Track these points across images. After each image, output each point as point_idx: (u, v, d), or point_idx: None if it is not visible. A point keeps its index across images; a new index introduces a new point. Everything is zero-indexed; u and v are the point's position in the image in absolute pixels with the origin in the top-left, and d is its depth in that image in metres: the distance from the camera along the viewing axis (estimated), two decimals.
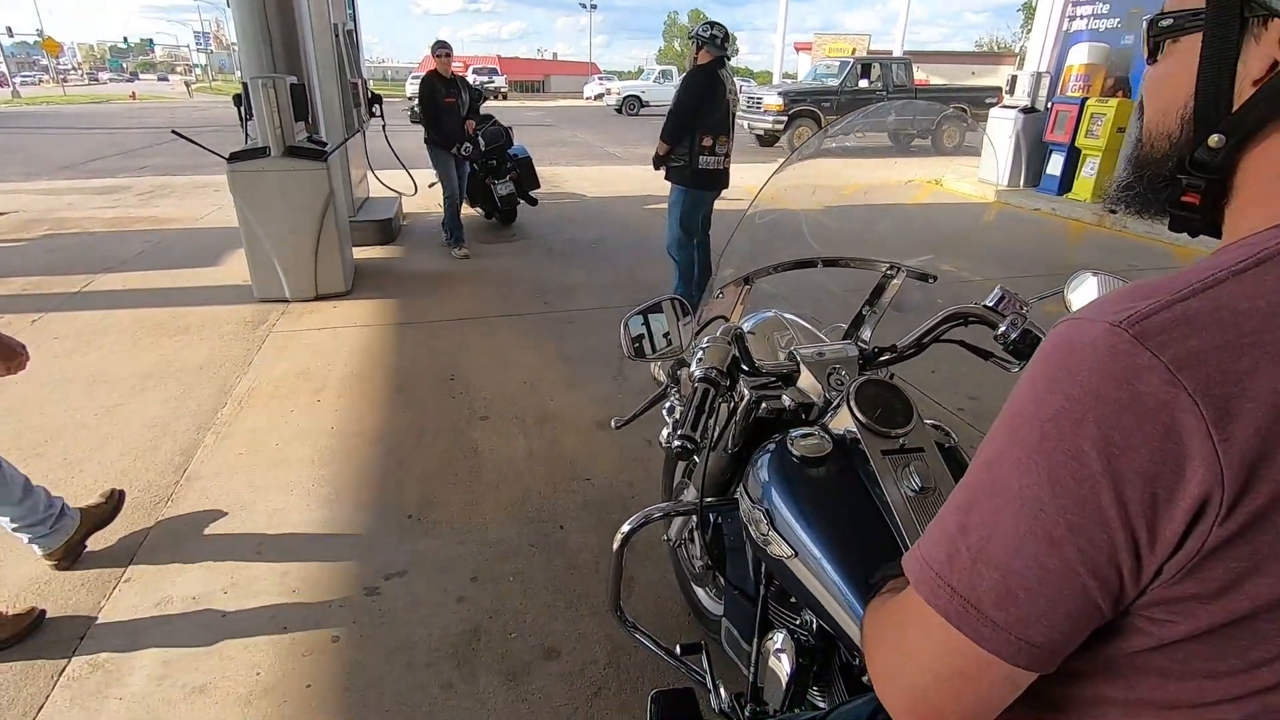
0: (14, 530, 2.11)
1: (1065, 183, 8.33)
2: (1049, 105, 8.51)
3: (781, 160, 1.59)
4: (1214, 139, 0.51)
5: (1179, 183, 0.54)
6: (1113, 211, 0.70)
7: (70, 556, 2.21)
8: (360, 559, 2.29)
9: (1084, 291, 1.29)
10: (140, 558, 2.26)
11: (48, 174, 10.02)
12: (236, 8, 4.69)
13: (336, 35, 5.79)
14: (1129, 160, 0.61)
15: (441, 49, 5.68)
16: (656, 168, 4.21)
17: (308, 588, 2.15)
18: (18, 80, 39.57)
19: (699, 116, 3.90)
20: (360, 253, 5.72)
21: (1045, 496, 0.45)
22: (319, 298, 4.72)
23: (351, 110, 6.15)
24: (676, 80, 27.37)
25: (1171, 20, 0.54)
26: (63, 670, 1.84)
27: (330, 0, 5.74)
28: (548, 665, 1.89)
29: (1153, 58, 0.57)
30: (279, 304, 4.61)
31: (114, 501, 2.34)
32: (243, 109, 4.54)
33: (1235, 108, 0.50)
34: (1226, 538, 0.42)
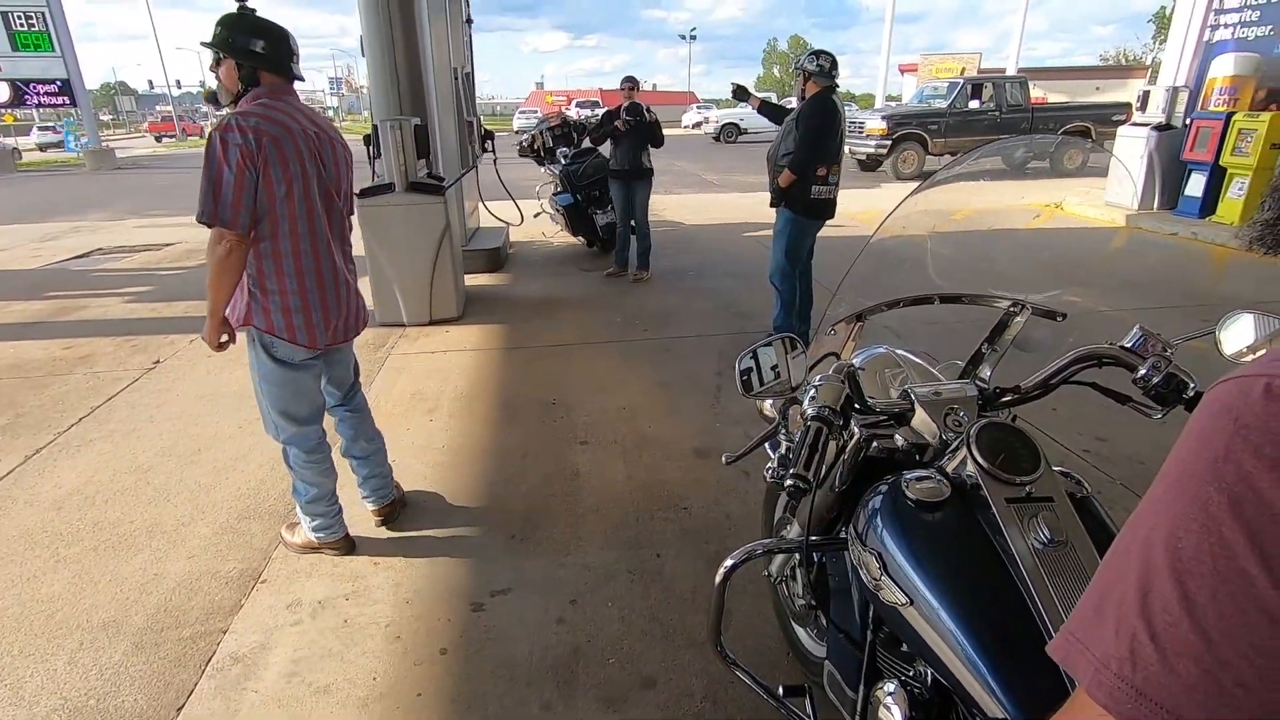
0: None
1: (1208, 205, 7.63)
2: (1187, 121, 7.86)
3: (900, 193, 1.56)
4: None
5: None
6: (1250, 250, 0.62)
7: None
8: (467, 574, 2.39)
9: (1239, 332, 1.18)
10: (274, 562, 2.47)
11: None
12: (369, 57, 5.14)
13: (456, 78, 6.21)
14: (1274, 191, 0.54)
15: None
16: (775, 205, 4.12)
17: (419, 599, 2.27)
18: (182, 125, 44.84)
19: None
20: (471, 280, 6.04)
21: (1252, 569, 0.39)
22: (433, 322, 5.03)
23: (467, 146, 6.55)
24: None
25: None
26: (209, 660, 2.03)
27: (451, 46, 6.18)
28: (645, 694, 1.90)
29: None
30: (397, 328, 4.94)
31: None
32: (371, 148, 4.95)
33: None
34: None
